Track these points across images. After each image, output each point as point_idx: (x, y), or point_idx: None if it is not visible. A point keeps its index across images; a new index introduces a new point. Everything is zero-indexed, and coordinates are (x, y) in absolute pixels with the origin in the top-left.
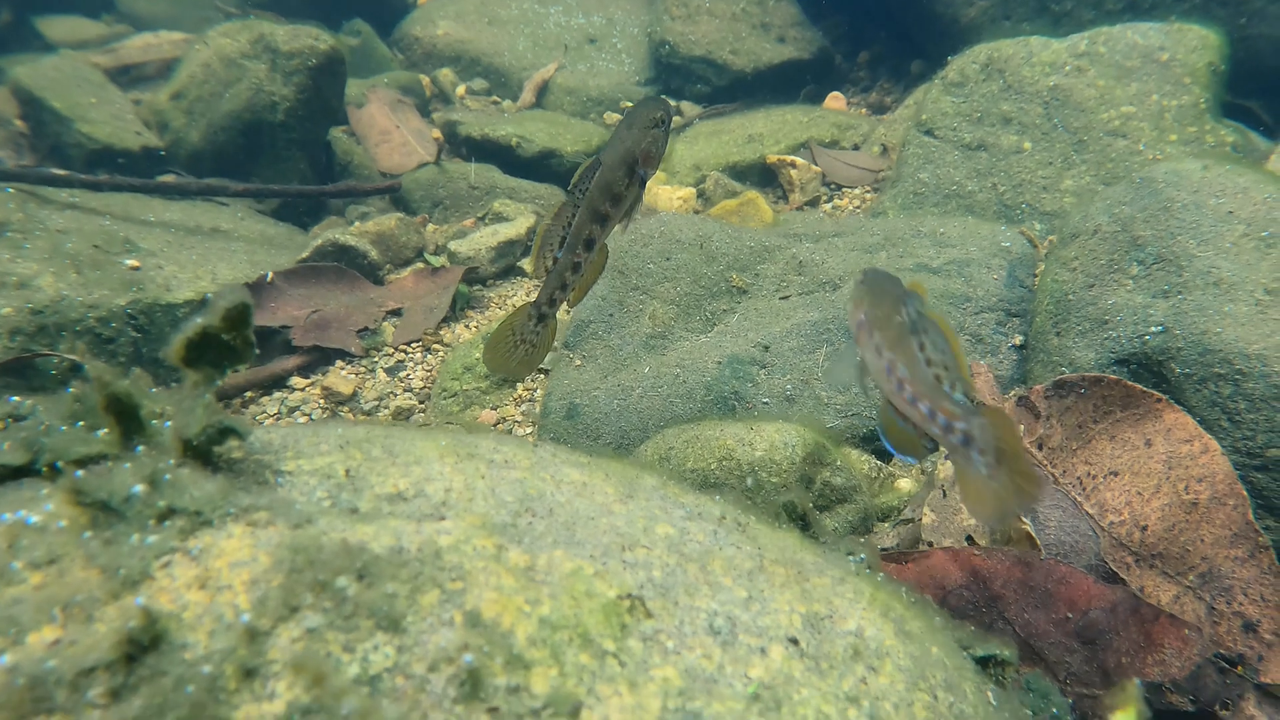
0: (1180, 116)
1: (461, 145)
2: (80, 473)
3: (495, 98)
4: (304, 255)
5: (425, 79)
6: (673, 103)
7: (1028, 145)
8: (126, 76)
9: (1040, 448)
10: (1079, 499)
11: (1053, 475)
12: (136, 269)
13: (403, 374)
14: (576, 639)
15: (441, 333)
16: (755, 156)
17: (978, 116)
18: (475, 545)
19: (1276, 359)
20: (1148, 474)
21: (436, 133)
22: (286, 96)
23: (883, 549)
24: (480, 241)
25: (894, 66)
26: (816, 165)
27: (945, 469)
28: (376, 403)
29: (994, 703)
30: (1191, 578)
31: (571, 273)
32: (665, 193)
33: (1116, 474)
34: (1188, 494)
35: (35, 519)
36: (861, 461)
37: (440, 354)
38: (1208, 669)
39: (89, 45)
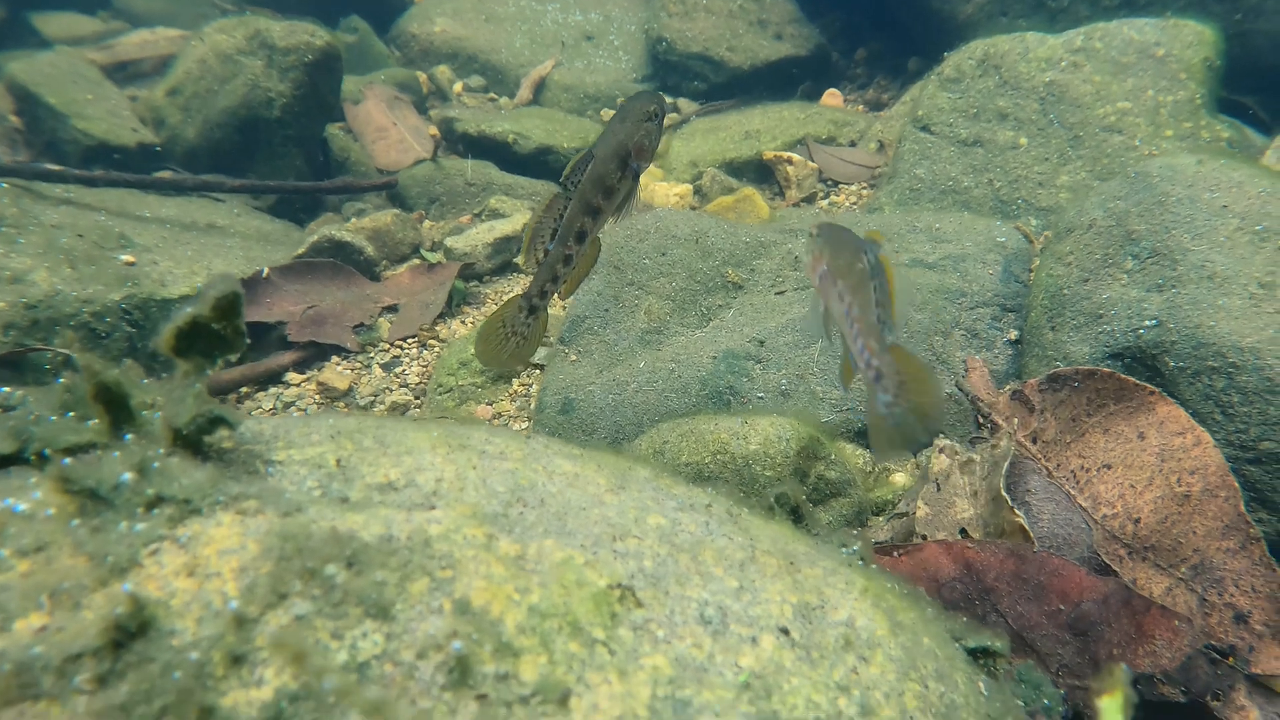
0: (1176, 112)
1: (458, 142)
2: (68, 461)
3: (492, 95)
4: (300, 251)
5: (422, 76)
6: (669, 99)
7: (1024, 141)
8: (123, 73)
9: (1034, 441)
10: (1072, 492)
11: (1047, 469)
12: (131, 264)
13: (398, 370)
14: (566, 627)
15: (437, 328)
16: (752, 153)
17: (974, 112)
18: (465, 534)
19: (1270, 352)
20: (1141, 467)
21: (433, 129)
22: (283, 93)
23: (876, 542)
24: (476, 238)
25: (891, 63)
26: (813, 162)
27: (939, 462)
28: (372, 398)
29: (985, 693)
30: (1184, 570)
31: (563, 265)
32: (662, 189)
33: (1110, 467)
34: (1180, 486)
35: (23, 507)
36: (856, 456)
37: (436, 350)
38: (1199, 660)
39: (85, 41)
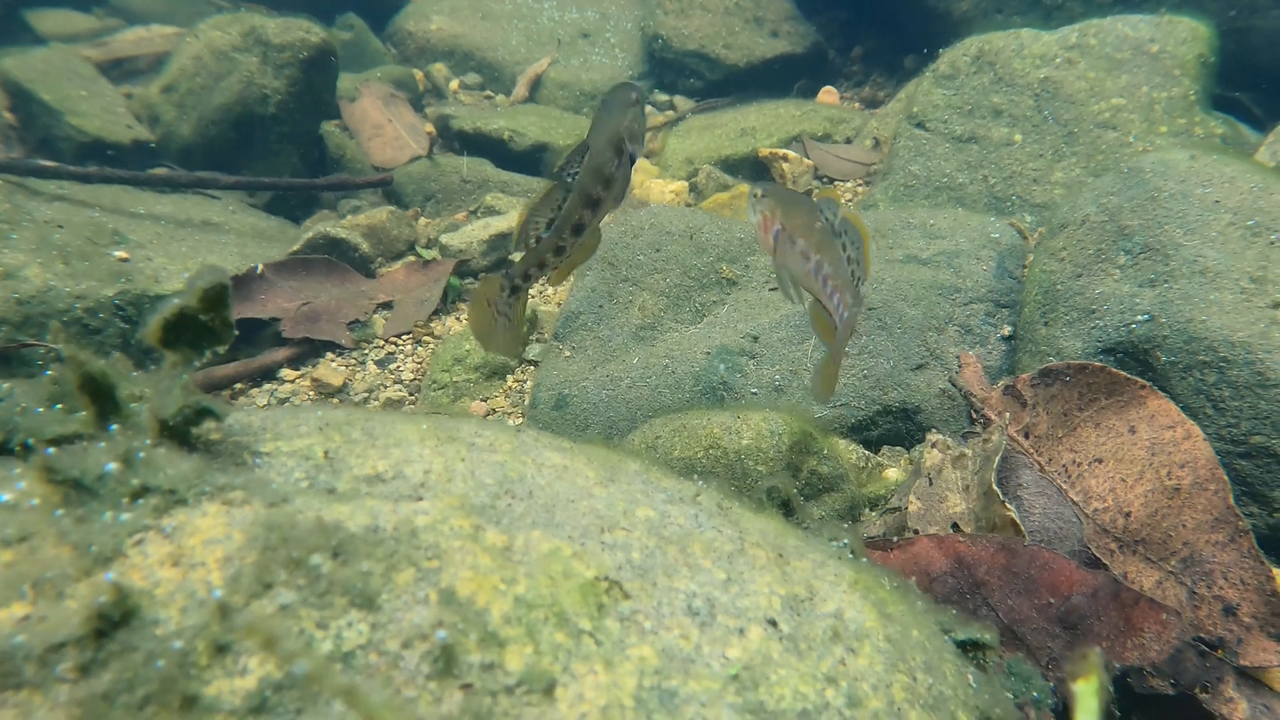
0: (1170, 108)
1: (454, 139)
2: (52, 451)
3: (488, 92)
4: (295, 248)
5: (418, 74)
6: (665, 97)
7: (1018, 137)
8: (118, 70)
9: (1027, 436)
10: (1064, 486)
11: (1039, 463)
12: (125, 260)
13: (393, 366)
14: (552, 618)
15: (432, 325)
16: (747, 150)
17: (969, 109)
18: (452, 525)
19: (1261, 346)
20: (1131, 460)
21: (429, 127)
22: (278, 89)
23: (869, 537)
24: (472, 235)
25: (887, 61)
26: (809, 159)
27: (931, 457)
28: (366, 394)
29: (974, 685)
30: (1174, 563)
31: (554, 255)
32: (657, 186)
33: (1101, 461)
34: (1170, 480)
35: (7, 497)
36: (849, 451)
37: (431, 346)
38: (1188, 652)
39: (80, 39)
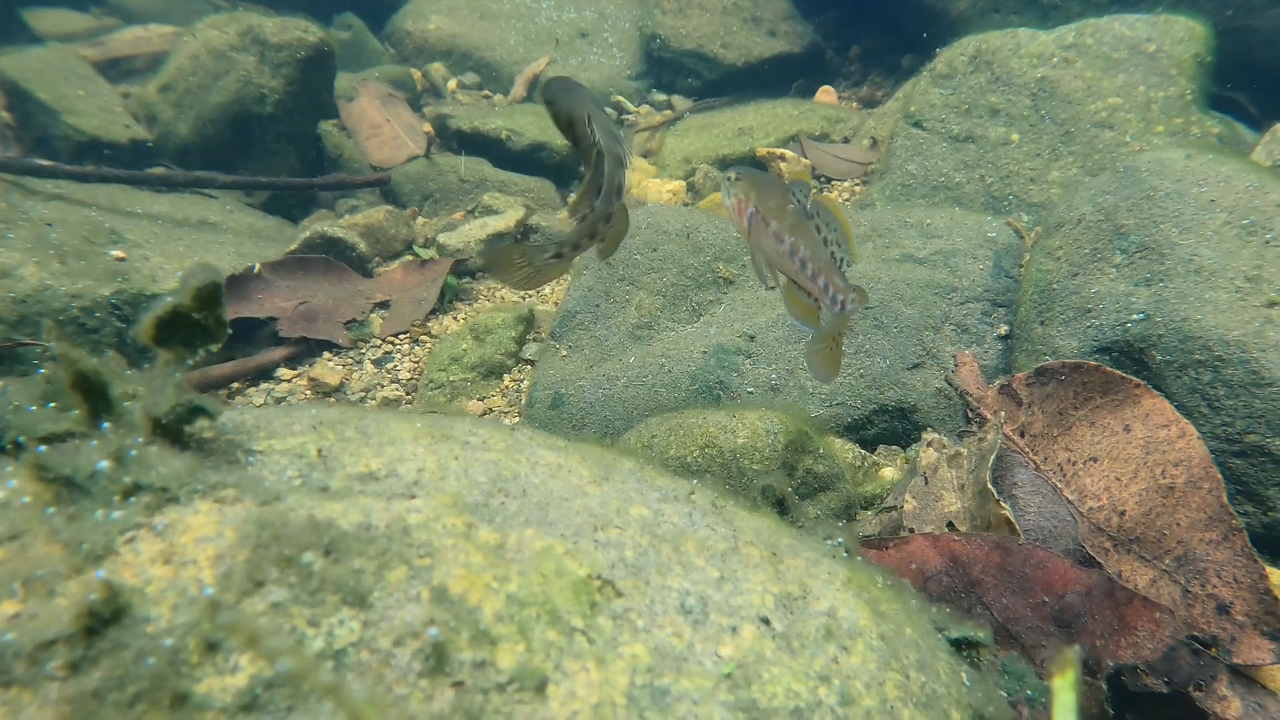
0: (1167, 108)
1: (452, 139)
2: (44, 449)
3: (486, 92)
4: (292, 247)
5: (416, 73)
6: (663, 96)
7: (1015, 137)
8: (116, 69)
9: (1022, 435)
10: (1059, 485)
11: (1034, 462)
12: (122, 260)
13: (390, 365)
14: (544, 616)
15: (429, 324)
16: (745, 150)
17: (966, 108)
18: (445, 523)
19: (1255, 345)
20: (1126, 459)
21: (427, 126)
22: (275, 89)
23: (864, 536)
24: (469, 234)
25: (885, 61)
26: (806, 158)
27: (927, 456)
28: (363, 394)
29: (968, 683)
30: (1168, 561)
31: (604, 223)
32: (655, 185)
33: (1096, 460)
34: (1164, 478)
35: None
36: (845, 450)
37: (428, 345)
38: (1181, 651)
39: (77, 38)
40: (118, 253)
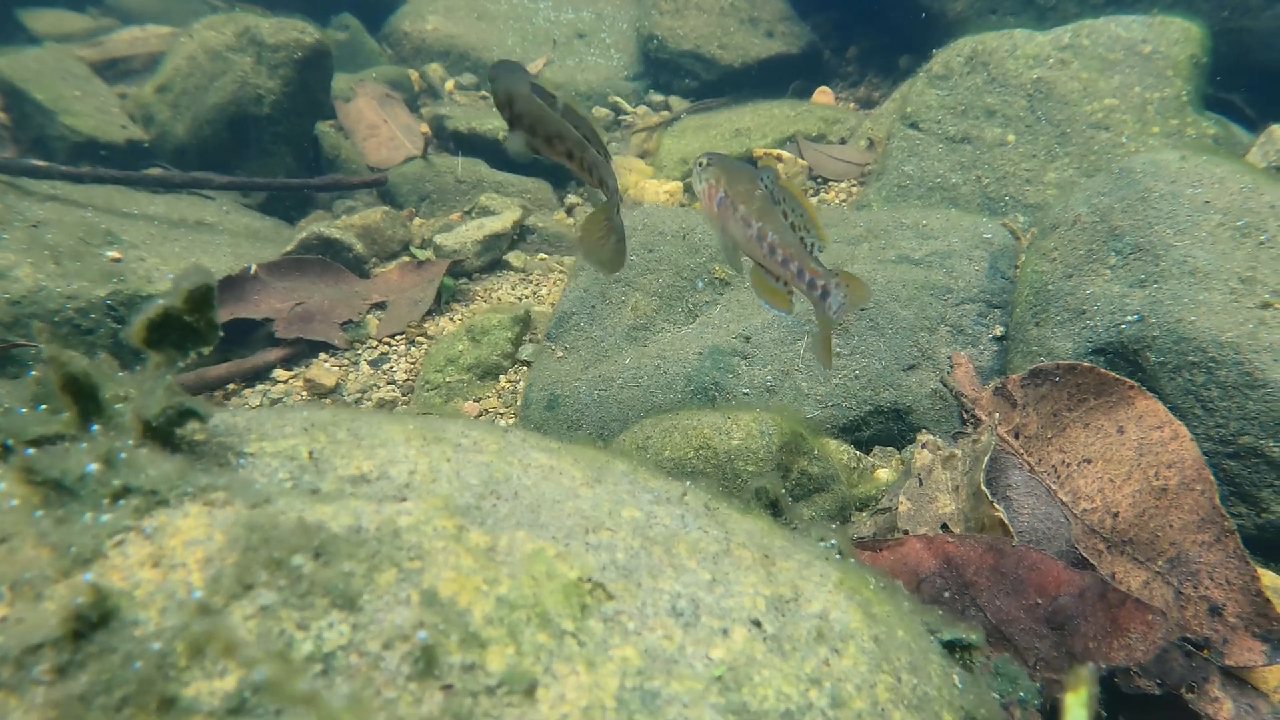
0: (1162, 109)
1: (449, 139)
2: (32, 451)
3: (484, 93)
4: (289, 248)
5: (414, 74)
6: (661, 97)
7: (1011, 138)
8: (113, 70)
9: (1016, 436)
10: (1053, 486)
11: (1028, 464)
12: (118, 261)
13: (386, 366)
14: (535, 618)
15: (426, 326)
16: (742, 150)
17: (962, 109)
18: (435, 526)
19: (1249, 347)
20: (1119, 461)
21: (425, 127)
22: (272, 89)
23: (859, 538)
24: (466, 235)
25: (883, 61)
26: (803, 159)
27: (922, 458)
28: (359, 395)
29: (959, 686)
30: (1160, 563)
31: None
32: (652, 186)
33: (1090, 461)
34: (1157, 480)
35: None
36: (840, 452)
37: (424, 347)
38: (1173, 652)
39: (75, 38)
40: (113, 254)
